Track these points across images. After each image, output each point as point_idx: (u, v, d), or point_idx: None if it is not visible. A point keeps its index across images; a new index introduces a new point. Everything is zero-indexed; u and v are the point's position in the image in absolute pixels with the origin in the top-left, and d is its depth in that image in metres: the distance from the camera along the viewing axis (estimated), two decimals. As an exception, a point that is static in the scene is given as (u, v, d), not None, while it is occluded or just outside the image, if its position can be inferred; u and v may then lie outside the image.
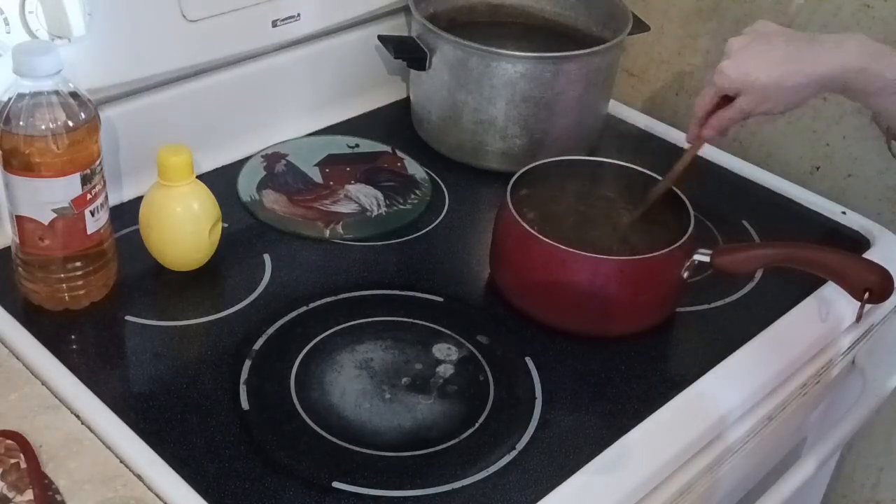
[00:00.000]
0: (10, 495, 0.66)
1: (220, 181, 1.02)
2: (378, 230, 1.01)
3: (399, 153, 1.13)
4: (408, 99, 1.21)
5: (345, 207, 1.03)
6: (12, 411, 0.75)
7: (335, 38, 1.15)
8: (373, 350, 0.85)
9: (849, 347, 0.98)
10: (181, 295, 0.91)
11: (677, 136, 1.17)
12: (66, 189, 0.81)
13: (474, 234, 1.03)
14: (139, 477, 0.71)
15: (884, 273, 0.86)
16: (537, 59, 1.06)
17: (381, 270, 0.96)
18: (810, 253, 0.88)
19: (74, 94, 0.81)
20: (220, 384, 0.81)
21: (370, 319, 0.88)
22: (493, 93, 1.07)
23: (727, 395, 0.85)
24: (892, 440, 1.22)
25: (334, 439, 0.77)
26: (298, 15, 1.08)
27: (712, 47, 1.22)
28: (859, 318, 0.90)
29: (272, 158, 1.09)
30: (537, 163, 0.96)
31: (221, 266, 0.94)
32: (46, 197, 0.81)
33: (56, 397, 0.77)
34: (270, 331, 0.86)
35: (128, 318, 0.87)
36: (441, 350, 0.86)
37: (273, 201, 1.03)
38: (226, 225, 0.95)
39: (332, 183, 1.07)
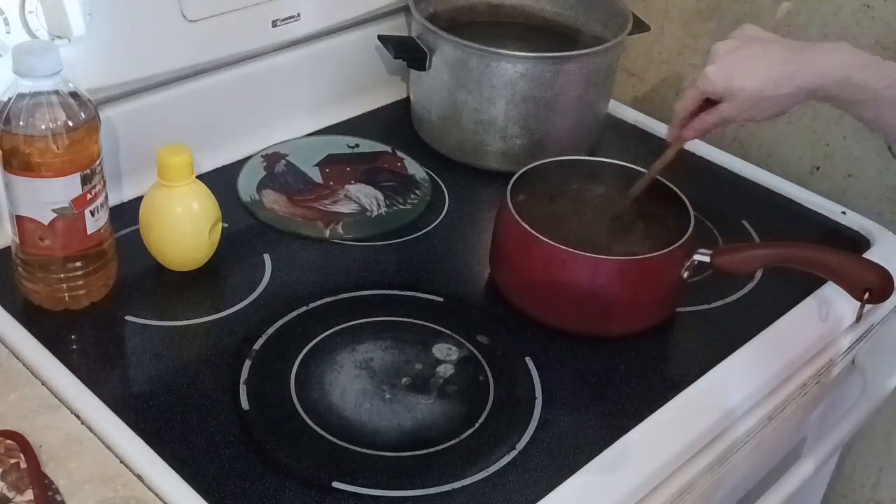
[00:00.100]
0: (10, 495, 0.66)
1: (220, 181, 1.02)
2: (378, 230, 1.01)
3: (399, 153, 1.13)
4: (408, 99, 1.21)
5: (345, 207, 1.03)
6: (12, 411, 0.75)
7: (335, 38, 1.15)
8: (373, 350, 0.85)
9: (849, 347, 0.98)
10: (181, 295, 0.91)
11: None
12: (66, 189, 0.81)
13: (474, 234, 1.03)
14: (139, 477, 0.71)
15: (884, 273, 0.86)
16: (537, 59, 1.06)
17: (381, 270, 0.96)
18: (810, 253, 0.88)
19: (74, 94, 0.81)
20: (220, 384, 0.81)
21: (370, 319, 0.88)
22: (493, 93, 1.07)
23: (727, 395, 0.85)
24: (892, 440, 1.22)
25: (334, 439, 0.77)
26: (298, 15, 1.08)
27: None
28: (859, 318, 0.90)
29: (272, 158, 1.09)
30: (537, 163, 0.96)
31: (221, 266, 0.94)
32: (46, 197, 0.81)
33: (56, 397, 0.77)
34: (270, 331, 0.86)
35: (128, 318, 0.87)
36: (441, 350, 0.86)
37: (273, 201, 1.03)
38: (226, 225, 0.95)
39: (332, 183, 1.07)
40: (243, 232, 0.99)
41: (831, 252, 0.88)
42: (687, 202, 0.91)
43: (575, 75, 1.08)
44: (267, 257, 0.95)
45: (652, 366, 0.87)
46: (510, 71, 1.05)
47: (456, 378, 0.83)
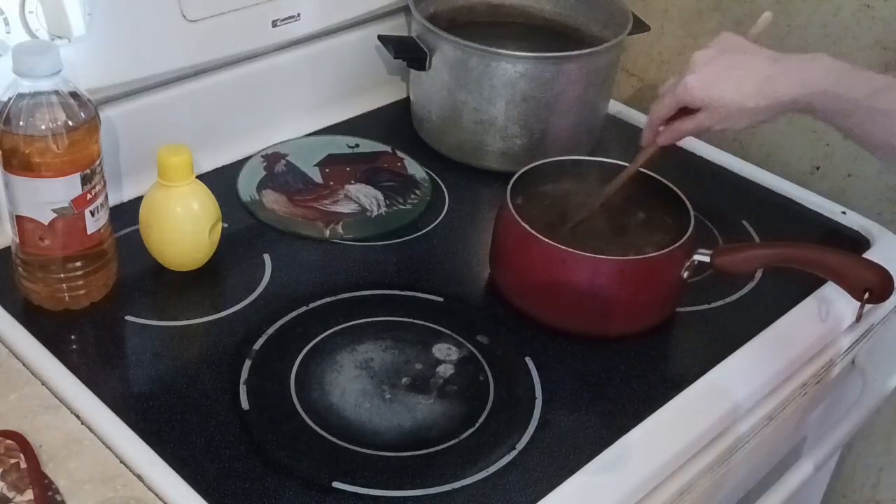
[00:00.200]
0: (10, 495, 0.66)
1: (220, 181, 1.02)
2: (378, 230, 1.01)
3: (399, 153, 1.13)
4: (408, 99, 1.21)
5: (345, 207, 1.03)
6: (12, 411, 0.75)
7: (335, 38, 1.15)
8: (373, 350, 0.85)
9: (849, 347, 0.98)
10: (181, 295, 0.91)
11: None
12: (66, 189, 0.81)
13: (474, 234, 1.03)
14: (139, 477, 0.71)
15: (884, 273, 0.86)
16: (537, 59, 1.06)
17: (381, 270, 0.96)
18: (810, 253, 0.88)
19: (74, 94, 0.81)
20: (220, 384, 0.81)
21: (370, 319, 0.88)
22: (493, 93, 1.07)
23: (727, 395, 0.85)
24: (892, 440, 1.22)
25: (334, 439, 0.76)
26: (298, 15, 1.08)
27: (712, 47, 1.22)
28: (859, 318, 0.90)
29: (272, 158, 1.09)
30: (537, 163, 0.96)
31: (221, 266, 0.94)
32: (46, 197, 0.81)
33: (56, 397, 0.77)
34: (270, 331, 0.86)
35: (128, 318, 0.87)
36: (441, 350, 0.86)
37: (273, 201, 1.03)
38: (226, 225, 0.95)
39: (332, 183, 1.07)
40: (243, 232, 0.99)
41: (831, 252, 0.88)
42: (687, 202, 0.91)
43: (575, 75, 1.08)
44: (267, 257, 0.95)
45: (652, 366, 0.87)
46: (510, 71, 1.05)
47: (456, 378, 0.83)
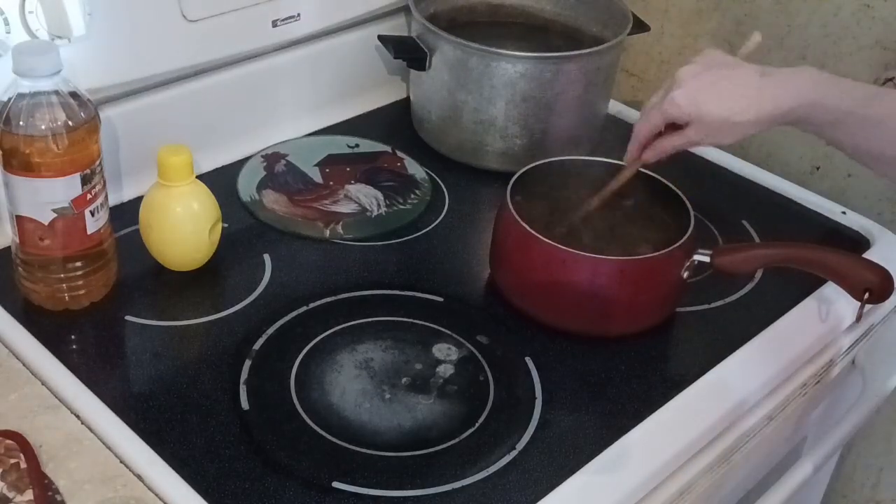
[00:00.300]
0: (10, 495, 0.66)
1: (220, 181, 1.02)
2: (378, 230, 1.01)
3: (399, 153, 1.13)
4: (408, 99, 1.21)
5: (345, 207, 1.03)
6: (12, 411, 0.75)
7: (335, 38, 1.15)
8: (373, 350, 0.85)
9: (849, 347, 0.98)
10: (181, 295, 0.91)
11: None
12: (66, 189, 0.81)
13: (474, 234, 1.03)
14: (139, 477, 0.71)
15: (884, 273, 0.86)
16: (537, 59, 1.06)
17: (381, 270, 0.96)
18: (810, 253, 0.88)
19: (74, 94, 0.81)
20: (220, 384, 0.81)
21: (370, 319, 0.88)
22: (493, 93, 1.07)
23: (727, 395, 0.85)
24: (892, 440, 1.22)
25: (334, 439, 0.77)
26: (298, 15, 1.08)
27: (712, 47, 1.22)
28: (859, 318, 0.90)
29: (272, 158, 1.09)
30: (537, 163, 0.96)
31: (221, 266, 0.94)
32: (46, 197, 0.81)
33: (56, 397, 0.77)
34: (270, 331, 0.86)
35: (128, 318, 0.87)
36: (441, 350, 0.86)
37: (273, 201, 1.03)
38: (226, 225, 0.95)
39: (332, 183, 1.07)
40: (243, 232, 0.99)
41: (831, 252, 0.88)
42: (687, 202, 0.91)
43: (575, 75, 1.08)
44: (267, 257, 0.95)
45: (652, 366, 0.87)
46: (510, 71, 1.05)
47: (456, 378, 0.83)
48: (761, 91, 0.83)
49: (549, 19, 1.23)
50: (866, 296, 0.86)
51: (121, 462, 0.72)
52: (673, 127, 0.87)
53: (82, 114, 0.80)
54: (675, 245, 0.87)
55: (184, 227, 0.90)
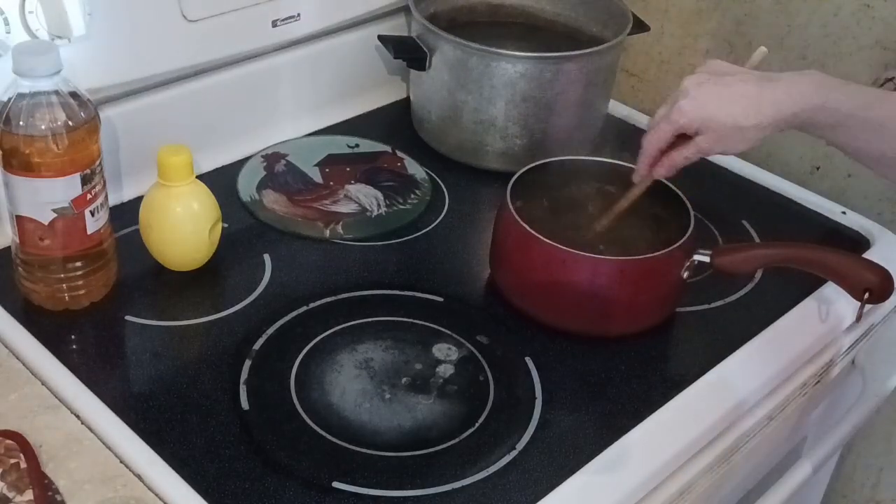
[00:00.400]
0: (10, 495, 0.66)
1: (220, 181, 1.02)
2: (378, 230, 1.01)
3: (399, 153, 1.13)
4: (408, 99, 1.21)
5: (345, 207, 1.03)
6: (12, 411, 0.75)
7: (335, 38, 1.15)
8: (373, 350, 0.85)
9: (849, 347, 0.98)
10: (181, 295, 0.91)
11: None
12: (66, 189, 0.81)
13: (474, 234, 1.03)
14: (139, 477, 0.71)
15: (884, 273, 0.86)
16: (537, 59, 1.06)
17: (381, 270, 0.96)
18: (810, 253, 0.88)
19: (74, 94, 0.81)
20: (220, 384, 0.81)
21: (370, 319, 0.88)
22: (493, 93, 1.07)
23: (727, 395, 0.85)
24: (892, 440, 1.22)
25: (334, 439, 0.77)
26: (298, 15, 1.08)
27: (712, 47, 1.22)
28: (859, 318, 0.90)
29: (272, 158, 1.09)
30: (537, 163, 0.96)
31: (221, 266, 0.94)
32: (46, 197, 0.81)
33: (56, 397, 0.77)
34: (270, 331, 0.86)
35: (128, 318, 0.87)
36: (441, 350, 0.86)
37: (273, 201, 1.03)
38: (226, 225, 0.95)
39: (332, 183, 1.07)
40: (243, 232, 0.99)
41: (831, 252, 0.88)
42: (687, 202, 0.91)
43: (575, 75, 1.08)
44: (267, 257, 0.95)
45: (652, 366, 0.87)
46: (510, 71, 1.05)
47: (456, 378, 0.83)
48: (766, 96, 0.83)
49: (549, 19, 1.23)
50: (866, 296, 0.86)
51: (121, 462, 0.72)
52: (681, 139, 0.86)
53: (82, 114, 0.80)
54: (675, 245, 0.87)
55: (184, 227, 0.90)
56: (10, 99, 0.79)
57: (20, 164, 0.79)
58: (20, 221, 0.83)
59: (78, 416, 0.75)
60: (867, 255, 1.00)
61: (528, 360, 0.86)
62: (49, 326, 0.84)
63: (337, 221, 1.01)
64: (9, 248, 0.87)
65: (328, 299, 0.91)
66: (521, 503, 0.73)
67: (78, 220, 0.83)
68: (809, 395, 0.94)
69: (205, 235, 0.91)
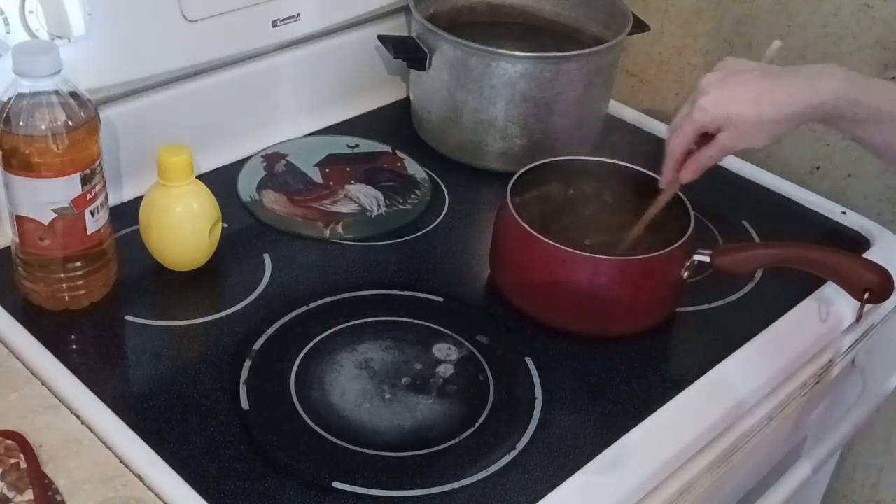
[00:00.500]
0: (10, 495, 0.66)
1: (220, 181, 1.02)
2: (378, 230, 1.01)
3: (399, 153, 1.13)
4: (408, 99, 1.21)
5: (345, 207, 1.03)
6: (12, 411, 0.75)
7: (335, 38, 1.15)
8: (373, 350, 0.85)
9: (849, 347, 0.98)
10: (181, 295, 0.91)
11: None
12: (66, 189, 0.81)
13: (474, 234, 1.03)
14: (139, 477, 0.71)
15: (884, 273, 0.86)
16: (537, 59, 1.06)
17: (381, 270, 0.96)
18: (810, 253, 0.88)
19: (74, 94, 0.81)
20: (220, 384, 0.81)
21: (370, 319, 0.88)
22: (493, 93, 1.07)
23: (727, 395, 0.85)
24: (892, 440, 1.22)
25: (334, 439, 0.77)
26: (298, 15, 1.08)
27: (712, 47, 1.22)
28: (859, 318, 0.90)
29: (272, 158, 1.09)
30: (537, 163, 0.96)
31: (221, 266, 0.94)
32: (46, 197, 0.81)
33: (56, 397, 0.77)
34: (270, 331, 0.86)
35: (128, 318, 0.87)
36: (441, 350, 0.86)
37: (273, 201, 1.03)
38: (226, 225, 0.95)
39: (332, 183, 1.07)
40: (243, 232, 0.99)
41: (831, 252, 0.88)
42: (687, 202, 0.91)
43: (575, 75, 1.08)
44: (267, 257, 0.95)
45: (652, 366, 0.87)
46: (510, 71, 1.05)
47: (456, 378, 0.83)
48: (788, 90, 0.82)
49: (549, 19, 1.23)
50: (866, 296, 0.86)
51: (121, 462, 0.72)
52: (703, 140, 0.86)
53: (82, 114, 0.80)
54: (675, 245, 0.87)
55: (184, 227, 0.90)
56: (10, 99, 0.79)
57: (20, 164, 0.79)
58: (20, 221, 0.83)
59: (78, 416, 0.75)
60: (867, 255, 1.00)
61: (528, 360, 0.86)
62: (49, 326, 0.84)
63: (337, 221, 1.01)
64: (9, 248, 0.87)
65: (328, 299, 0.91)
66: (521, 503, 0.73)
67: (78, 220, 0.83)
68: (809, 395, 0.94)
69: (205, 235, 0.91)
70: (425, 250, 0.99)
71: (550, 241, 0.86)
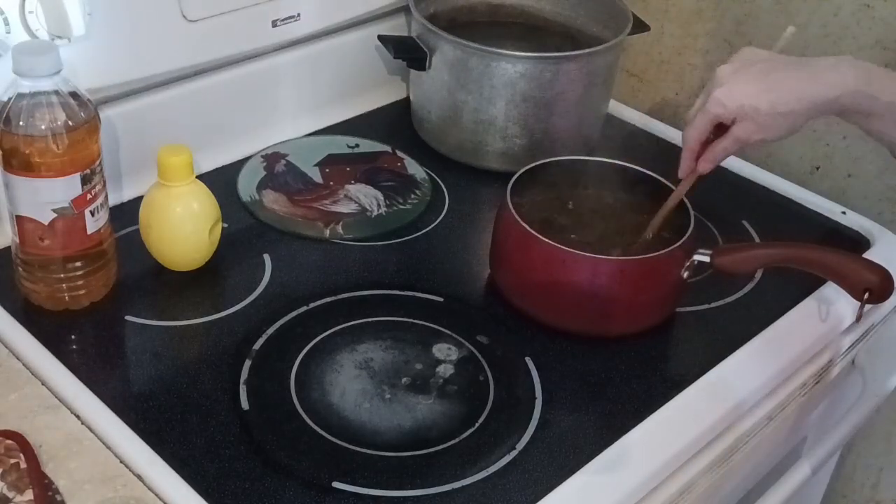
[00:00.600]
0: (10, 495, 0.66)
1: (220, 181, 1.02)
2: (378, 230, 1.01)
3: (399, 153, 1.13)
4: (408, 99, 1.21)
5: (345, 207, 1.03)
6: (12, 411, 0.75)
7: (335, 38, 1.15)
8: (373, 350, 0.85)
9: (849, 347, 0.98)
10: (181, 295, 0.91)
11: (677, 136, 1.16)
12: (66, 189, 0.81)
13: (474, 234, 1.03)
14: (139, 477, 0.71)
15: (884, 273, 0.86)
16: (537, 59, 1.06)
17: (381, 270, 0.96)
18: (810, 253, 0.88)
19: (74, 94, 0.81)
20: (220, 384, 0.81)
21: (370, 319, 0.88)
22: (493, 93, 1.07)
23: (727, 395, 0.85)
24: (892, 440, 1.22)
25: (334, 439, 0.77)
26: (298, 15, 1.08)
27: (712, 47, 1.22)
28: (859, 318, 0.90)
29: (272, 158, 1.09)
30: (537, 163, 0.96)
31: (221, 266, 0.94)
32: (46, 197, 0.81)
33: (56, 397, 0.77)
34: (270, 331, 0.86)
35: (128, 318, 0.87)
36: (441, 350, 0.86)
37: (273, 201, 1.03)
38: (226, 225, 0.95)
39: (332, 183, 1.07)
40: (243, 232, 0.99)
41: (831, 252, 0.88)
42: (687, 202, 0.91)
43: (575, 75, 1.08)
44: (267, 257, 0.95)
45: (652, 366, 0.87)
46: (510, 71, 1.05)
47: (456, 378, 0.83)
48: (804, 80, 0.82)
49: (549, 19, 1.23)
50: (866, 296, 0.86)
51: (121, 462, 0.72)
52: (720, 130, 0.86)
53: (82, 114, 0.80)
54: (675, 245, 0.87)
55: (184, 227, 0.90)
56: (10, 99, 0.79)
57: (20, 164, 0.79)
58: (20, 221, 0.83)
59: (78, 416, 0.75)
60: (867, 255, 1.00)
61: (528, 360, 0.86)
62: (49, 326, 0.84)
63: (337, 221, 1.01)
64: (9, 248, 0.87)
65: (328, 299, 0.91)
66: (521, 503, 0.73)
67: (78, 220, 0.83)
68: (809, 396, 0.94)
69: (205, 235, 0.91)
70: (425, 250, 0.99)
71: (550, 241, 0.86)
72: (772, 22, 1.15)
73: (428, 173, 1.10)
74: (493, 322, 0.90)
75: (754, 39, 1.17)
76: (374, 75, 1.21)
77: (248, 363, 0.83)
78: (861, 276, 0.87)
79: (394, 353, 0.85)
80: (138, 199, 0.92)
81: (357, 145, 1.14)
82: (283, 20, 1.07)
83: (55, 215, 0.82)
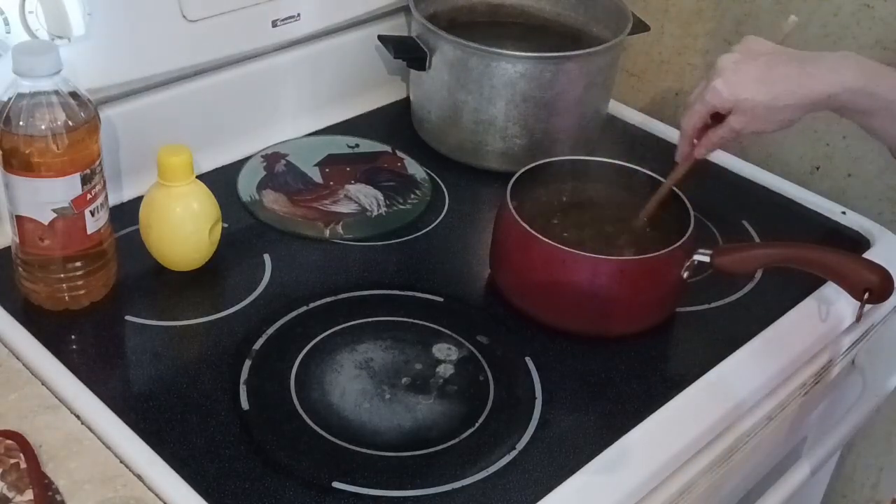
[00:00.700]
0: (10, 495, 0.66)
1: (220, 181, 1.02)
2: (378, 230, 1.01)
3: (399, 153, 1.13)
4: (408, 99, 1.21)
5: (345, 207, 1.03)
6: (12, 411, 0.75)
7: (335, 38, 1.15)
8: (373, 350, 0.85)
9: (849, 347, 0.98)
10: (181, 295, 0.91)
11: (677, 136, 1.17)
12: (66, 189, 0.81)
13: (474, 234, 1.03)
14: (139, 477, 0.71)
15: (884, 273, 0.86)
16: (537, 59, 1.06)
17: (381, 270, 0.96)
18: (810, 253, 0.88)
19: (74, 94, 0.81)
20: (220, 384, 0.81)
21: (370, 319, 0.88)
22: (493, 93, 1.07)
23: (727, 395, 0.85)
24: (892, 440, 1.22)
25: (334, 439, 0.77)
26: (298, 15, 1.08)
27: (712, 47, 1.22)
28: (859, 318, 0.90)
29: (272, 158, 1.09)
30: (537, 163, 0.96)
31: (221, 266, 0.94)
32: (46, 197, 0.81)
33: (56, 397, 0.77)
34: (270, 331, 0.86)
35: (128, 318, 0.87)
36: (441, 350, 0.86)
37: (273, 201, 1.03)
38: (226, 225, 0.95)
39: (332, 183, 1.07)
40: (243, 232, 0.99)
41: (831, 252, 0.88)
42: (687, 202, 0.91)
43: (575, 75, 1.08)
44: (267, 257, 0.96)
45: (652, 366, 0.87)
46: (510, 71, 1.05)
47: (456, 378, 0.83)
48: (804, 76, 0.82)
49: (549, 19, 1.23)
50: (866, 296, 0.86)
51: (121, 462, 0.72)
52: (718, 118, 0.86)
53: (82, 114, 0.80)
54: (675, 245, 0.87)
55: (184, 227, 0.90)
56: (10, 99, 0.79)
57: (20, 164, 0.79)
58: (20, 221, 0.83)
59: (78, 416, 0.75)
60: (867, 255, 1.00)
61: (528, 360, 0.86)
62: (49, 326, 0.84)
63: (337, 221, 1.01)
64: (9, 248, 0.87)
65: (328, 299, 0.91)
66: (520, 503, 0.73)
67: (78, 220, 0.83)
68: (809, 396, 0.94)
69: (205, 235, 0.91)
70: (425, 250, 0.99)
71: (550, 241, 0.86)
72: (772, 22, 1.15)
73: (428, 173, 1.10)
74: (493, 322, 0.90)
75: (754, 39, 1.17)
76: (374, 75, 1.21)
77: (248, 363, 0.83)
78: (861, 276, 0.87)
79: (394, 353, 0.85)
80: (138, 199, 0.92)
81: (357, 145, 1.14)
82: (283, 20, 1.07)
83: (55, 215, 0.82)
